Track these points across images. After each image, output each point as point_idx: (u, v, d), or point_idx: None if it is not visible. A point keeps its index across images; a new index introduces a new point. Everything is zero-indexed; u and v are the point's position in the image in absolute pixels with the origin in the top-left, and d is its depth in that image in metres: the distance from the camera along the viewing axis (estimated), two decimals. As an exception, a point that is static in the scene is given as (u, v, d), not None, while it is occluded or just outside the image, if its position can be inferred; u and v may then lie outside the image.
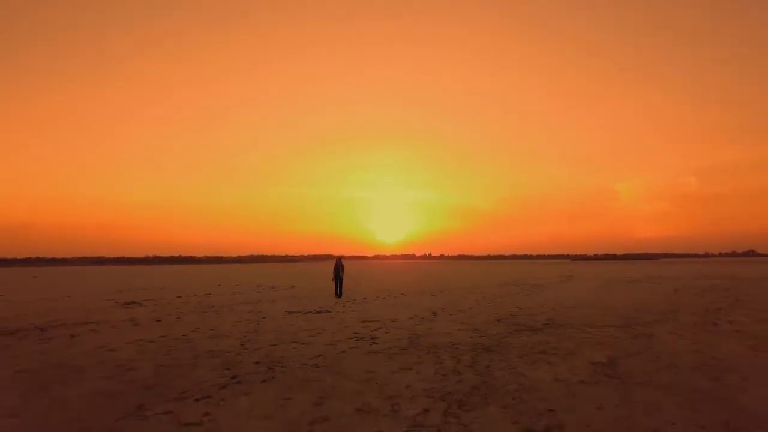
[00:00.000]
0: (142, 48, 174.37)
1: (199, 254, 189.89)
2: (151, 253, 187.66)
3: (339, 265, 17.72)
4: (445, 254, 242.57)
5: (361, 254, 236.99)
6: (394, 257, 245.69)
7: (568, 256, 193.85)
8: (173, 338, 8.70)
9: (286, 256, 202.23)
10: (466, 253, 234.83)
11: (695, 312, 11.54)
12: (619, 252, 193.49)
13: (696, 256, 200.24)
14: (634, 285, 22.38)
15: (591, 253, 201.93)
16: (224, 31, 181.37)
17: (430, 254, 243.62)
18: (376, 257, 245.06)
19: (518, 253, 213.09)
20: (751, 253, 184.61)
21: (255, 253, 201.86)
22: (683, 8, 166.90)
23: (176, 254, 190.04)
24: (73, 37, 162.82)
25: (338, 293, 17.11)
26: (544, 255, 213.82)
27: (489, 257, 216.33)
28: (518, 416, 4.18)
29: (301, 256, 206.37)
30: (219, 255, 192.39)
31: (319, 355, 6.94)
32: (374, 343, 7.91)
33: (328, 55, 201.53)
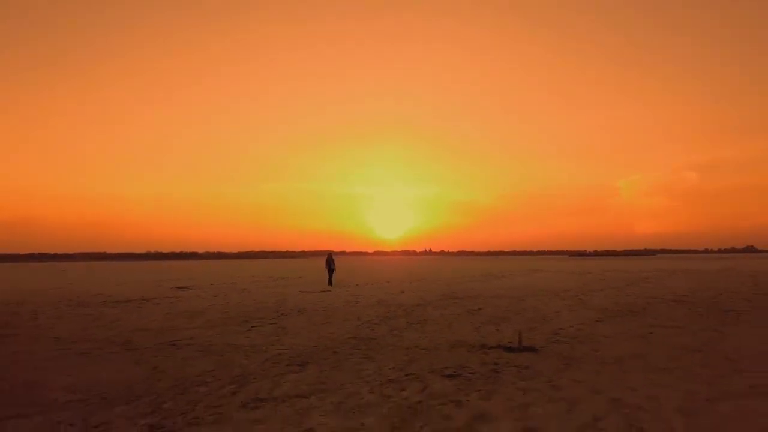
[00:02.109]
0: (142, 44, 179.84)
1: (200, 250, 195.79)
2: (152, 249, 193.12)
3: (330, 259, 23.38)
4: (446, 250, 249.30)
5: (361, 250, 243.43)
6: (394, 253, 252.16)
7: (567, 252, 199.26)
8: (235, 303, 14.63)
9: (287, 251, 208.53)
10: (467, 249, 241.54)
11: (576, 291, 17.42)
12: (619, 248, 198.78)
13: (695, 252, 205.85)
14: (577, 276, 28.22)
15: (591, 249, 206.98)
16: (225, 28, 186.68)
17: (430, 250, 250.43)
18: (377, 253, 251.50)
19: (518, 249, 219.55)
20: (750, 249, 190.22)
21: (256, 249, 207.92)
22: (684, 5, 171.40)
23: (177, 250, 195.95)
24: (73, 32, 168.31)
25: (330, 282, 22.78)
26: (545, 251, 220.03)
27: (489, 253, 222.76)
28: (408, 320, 10.11)
29: (302, 251, 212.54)
30: (220, 251, 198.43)
31: (325, 307, 12.89)
32: (357, 303, 13.85)
33: (329, 52, 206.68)
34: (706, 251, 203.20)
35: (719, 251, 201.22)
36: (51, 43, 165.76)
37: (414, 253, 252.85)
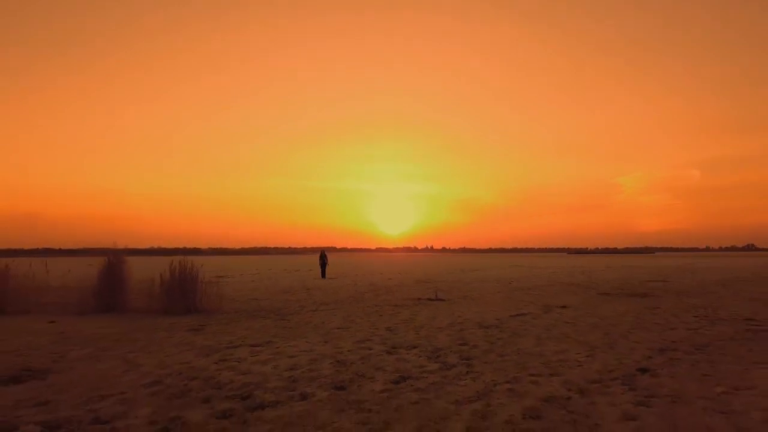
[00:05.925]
0: (143, 41, 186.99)
1: (203, 246, 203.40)
2: (155, 245, 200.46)
3: (323, 255, 30.19)
4: (447, 247, 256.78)
5: (364, 247, 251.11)
6: (396, 250, 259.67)
7: (567, 250, 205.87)
8: (270, 285, 21.77)
9: (290, 248, 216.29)
10: (468, 246, 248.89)
11: (515, 279, 24.48)
12: (621, 246, 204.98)
13: (696, 250, 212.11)
14: (539, 269, 35.26)
15: (592, 247, 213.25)
16: (226, 24, 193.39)
17: (431, 247, 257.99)
18: (379, 249, 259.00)
19: (519, 246, 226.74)
20: (750, 248, 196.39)
21: (258, 245, 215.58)
22: (684, 2, 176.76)
23: (180, 246, 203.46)
24: (76, 28, 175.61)
25: (323, 275, 29.49)
26: (546, 248, 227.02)
27: (490, 250, 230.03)
28: (386, 291, 17.24)
29: (303, 248, 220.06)
30: (223, 247, 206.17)
31: (333, 287, 20.05)
32: (355, 285, 21.02)
33: (331, 48, 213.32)
34: (707, 249, 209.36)
35: (720, 249, 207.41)
36: (52, 40, 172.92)
37: (415, 249, 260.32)
